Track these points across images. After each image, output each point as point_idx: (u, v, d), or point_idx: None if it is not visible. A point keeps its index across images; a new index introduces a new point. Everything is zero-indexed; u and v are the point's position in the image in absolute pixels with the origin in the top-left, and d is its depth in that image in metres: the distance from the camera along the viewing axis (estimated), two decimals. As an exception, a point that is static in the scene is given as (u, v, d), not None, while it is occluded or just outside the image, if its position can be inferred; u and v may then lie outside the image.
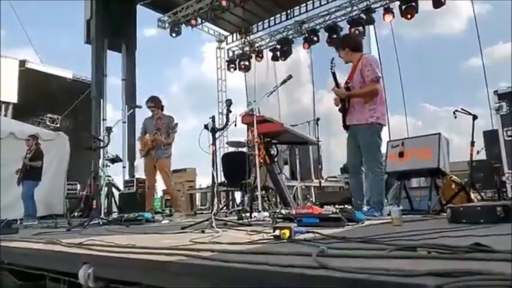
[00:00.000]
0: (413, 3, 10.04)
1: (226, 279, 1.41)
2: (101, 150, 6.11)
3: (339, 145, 12.42)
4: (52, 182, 9.24)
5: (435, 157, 4.21)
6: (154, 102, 5.74)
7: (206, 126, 3.37)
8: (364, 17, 10.88)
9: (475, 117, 4.50)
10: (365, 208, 3.87)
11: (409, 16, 10.10)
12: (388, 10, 10.59)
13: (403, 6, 10.12)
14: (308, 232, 2.28)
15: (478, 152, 4.63)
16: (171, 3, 12.10)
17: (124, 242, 2.30)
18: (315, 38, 11.80)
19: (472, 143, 4.49)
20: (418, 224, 2.89)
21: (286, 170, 8.43)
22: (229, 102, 3.57)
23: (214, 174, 3.36)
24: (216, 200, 3.53)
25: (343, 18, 11.51)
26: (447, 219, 2.75)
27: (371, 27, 11.32)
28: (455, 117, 4.54)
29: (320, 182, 6.17)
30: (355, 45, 4.06)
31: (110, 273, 1.87)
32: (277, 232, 2.20)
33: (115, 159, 6.17)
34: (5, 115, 13.61)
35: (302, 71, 13.66)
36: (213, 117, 3.39)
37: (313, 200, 6.23)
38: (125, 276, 1.77)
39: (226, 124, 3.56)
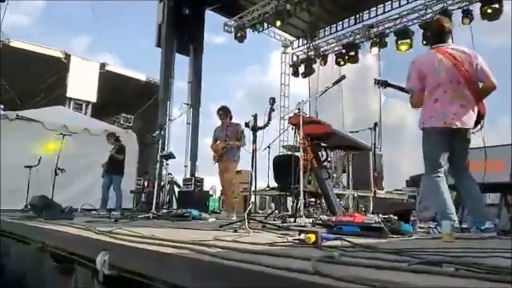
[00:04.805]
0: (497, 5, 9.15)
1: (219, 277, 1.30)
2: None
3: (406, 157, 11.66)
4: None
5: (507, 170, 3.73)
6: (223, 112, 6.21)
7: (247, 124, 3.29)
8: (438, 20, 10.14)
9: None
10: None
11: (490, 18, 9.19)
12: (467, 12, 9.77)
13: (486, 8, 9.26)
14: (337, 239, 2.09)
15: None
16: (239, 9, 12.31)
17: (152, 234, 2.29)
18: (384, 42, 11.25)
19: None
20: (474, 242, 2.53)
21: (344, 177, 8.07)
22: (273, 101, 3.44)
23: (253, 175, 3.26)
24: (252, 201, 3.42)
25: (415, 22, 10.83)
26: (513, 240, 2.38)
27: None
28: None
29: (375, 192, 5.76)
30: None
31: (122, 262, 1.85)
32: (302, 236, 2.07)
33: (169, 156, 6.42)
34: (85, 113, 14.84)
35: (370, 77, 13.08)
36: (255, 115, 3.30)
37: (368, 210, 5.84)
38: (134, 266, 1.74)
39: (268, 123, 3.44)
